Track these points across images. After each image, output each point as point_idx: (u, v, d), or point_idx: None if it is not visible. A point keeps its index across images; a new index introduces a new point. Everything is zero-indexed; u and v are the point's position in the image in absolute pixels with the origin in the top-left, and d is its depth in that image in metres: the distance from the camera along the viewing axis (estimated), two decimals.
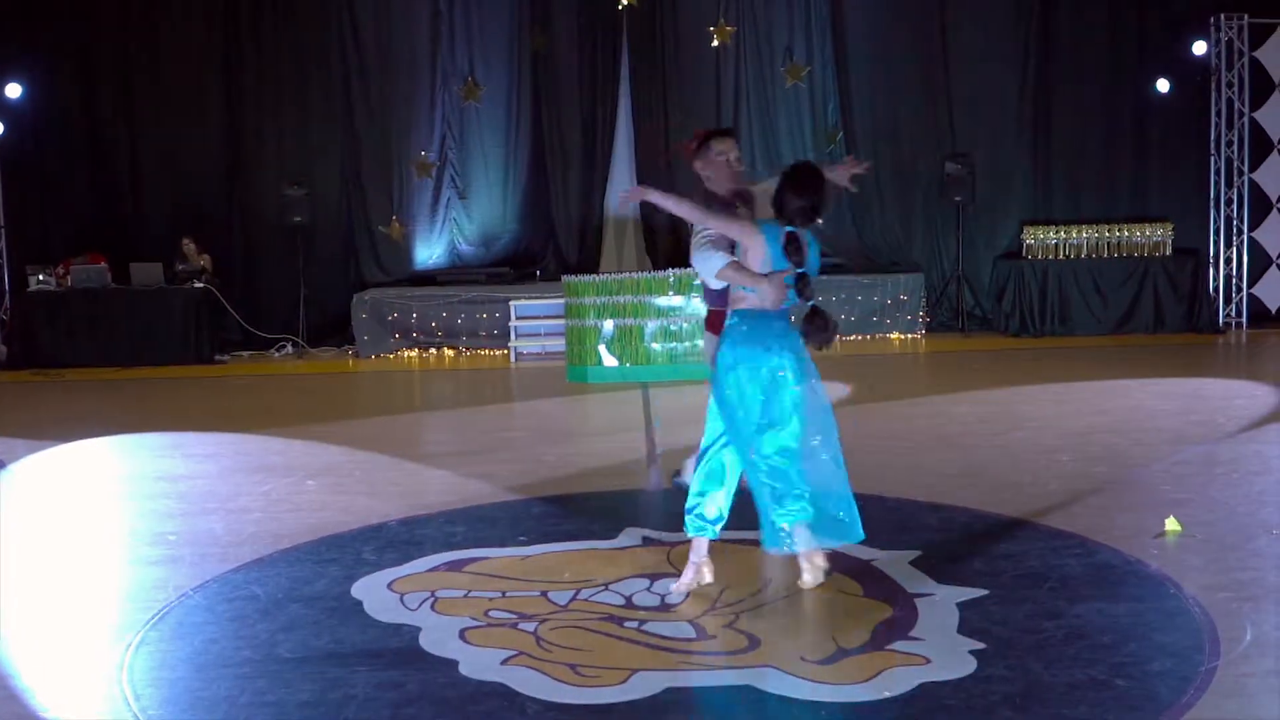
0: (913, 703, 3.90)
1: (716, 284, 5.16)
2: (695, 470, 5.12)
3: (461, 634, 4.60)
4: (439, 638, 4.56)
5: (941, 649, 4.31)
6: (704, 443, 5.04)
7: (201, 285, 13.68)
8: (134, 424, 9.63)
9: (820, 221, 4.91)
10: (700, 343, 11.12)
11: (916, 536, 5.72)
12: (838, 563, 5.22)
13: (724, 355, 4.88)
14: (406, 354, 13.80)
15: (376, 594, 5.10)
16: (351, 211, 15.07)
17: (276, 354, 14.24)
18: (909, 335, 13.96)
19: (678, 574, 5.15)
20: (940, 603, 4.79)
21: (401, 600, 5.01)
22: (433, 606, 4.92)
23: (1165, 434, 7.99)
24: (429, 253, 15.20)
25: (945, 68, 14.80)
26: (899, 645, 4.37)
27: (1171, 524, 5.69)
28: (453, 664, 4.30)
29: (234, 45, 14.75)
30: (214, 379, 12.69)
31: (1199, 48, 14.14)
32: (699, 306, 11.30)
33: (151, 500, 7.03)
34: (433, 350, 13.87)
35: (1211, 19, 14.12)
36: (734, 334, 4.88)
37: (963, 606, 4.73)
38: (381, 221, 15.07)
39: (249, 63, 14.83)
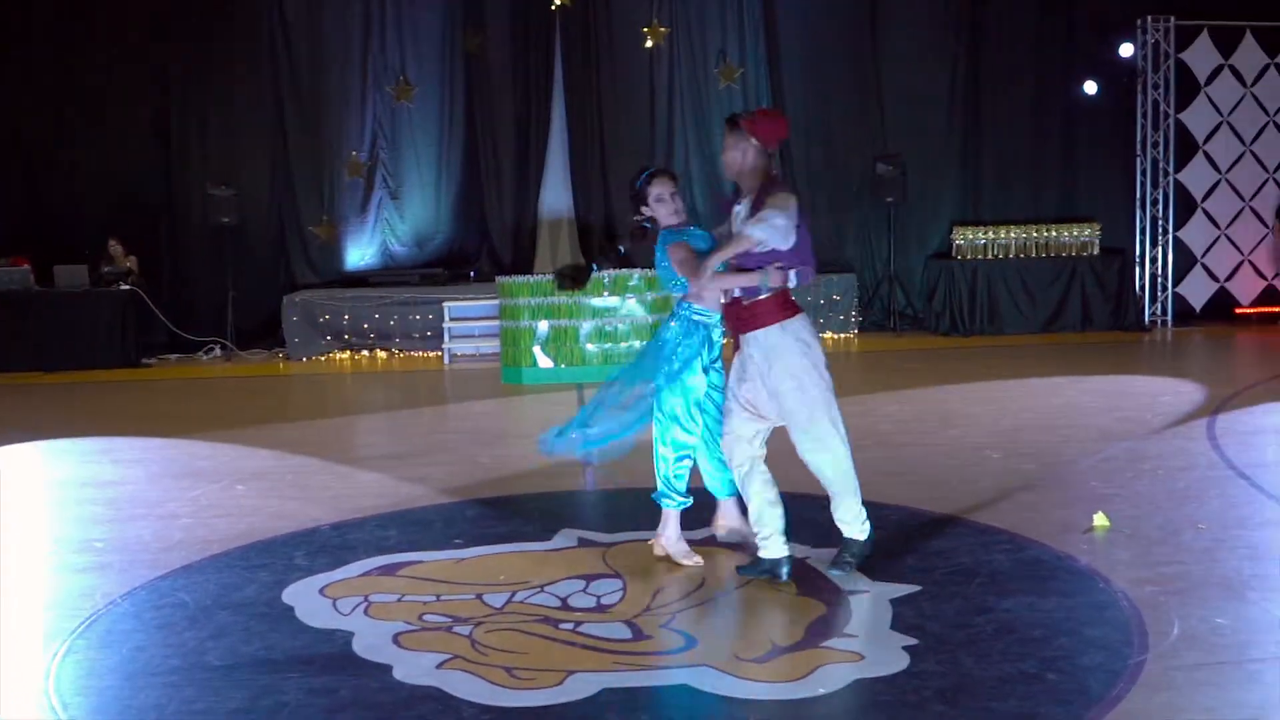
0: (846, 699, 3.92)
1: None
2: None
3: (395, 638, 4.55)
4: (372, 643, 4.51)
5: (875, 645, 4.34)
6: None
7: (128, 287, 13.46)
8: (60, 429, 9.45)
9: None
10: (636, 344, 11.18)
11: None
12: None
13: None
14: (338, 356, 13.68)
15: (308, 599, 5.04)
16: (281, 211, 14.92)
17: (205, 357, 14.05)
18: (841, 335, 14.07)
19: (614, 575, 5.15)
20: (873, 599, 4.83)
21: (334, 605, 4.95)
22: (366, 611, 4.87)
23: (1092, 431, 8.11)
24: (361, 253, 15.08)
25: (876, 69, 14.96)
26: (833, 642, 4.40)
27: (1099, 519, 5.77)
28: (386, 669, 4.25)
29: (161, 42, 14.52)
30: (141, 382, 12.49)
31: (1126, 49, 14.39)
32: (634, 307, 11.37)
33: (78, 506, 6.91)
34: (365, 352, 13.76)
35: (1138, 21, 14.40)
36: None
37: (895, 603, 4.76)
38: (312, 221, 14.93)
39: (176, 59, 14.62)
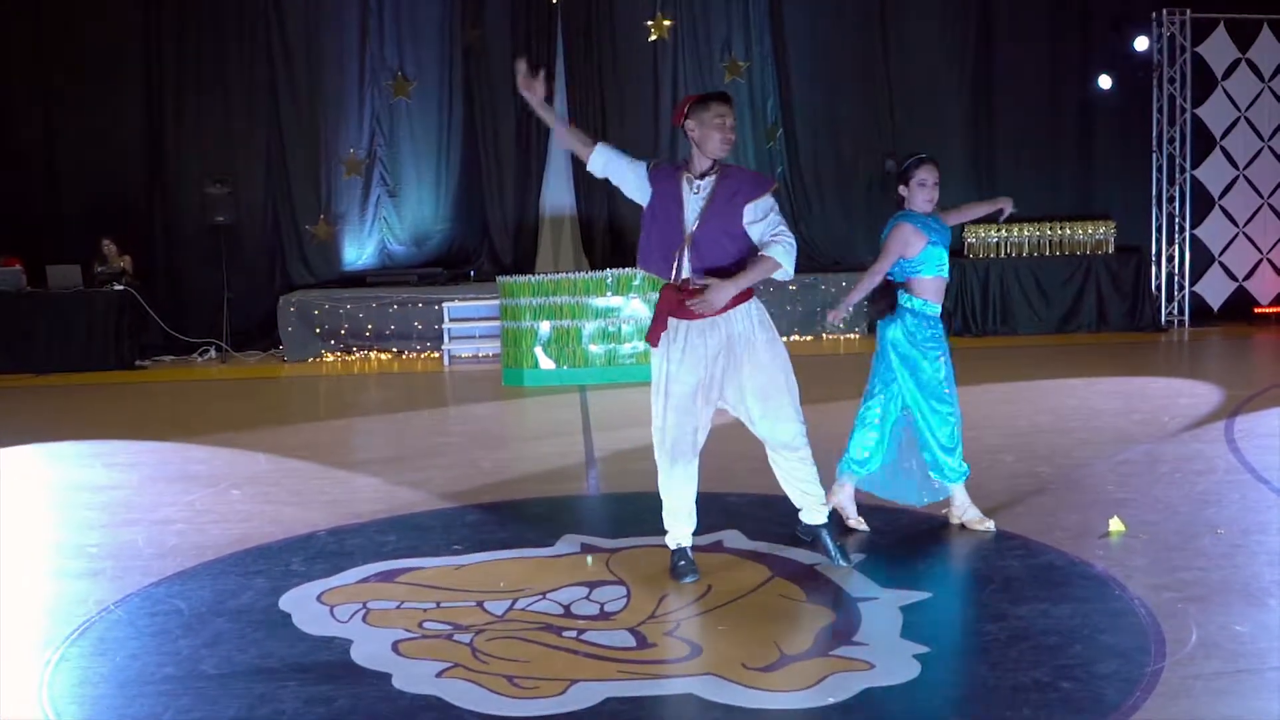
0: (856, 709, 3.84)
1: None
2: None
3: (394, 646, 4.48)
4: (371, 650, 4.43)
5: (885, 654, 4.25)
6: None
7: (122, 288, 13.38)
8: (52, 432, 9.39)
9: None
10: (640, 345, 11.11)
11: (860, 539, 5.68)
12: (780, 568, 5.18)
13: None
14: (335, 358, 13.59)
15: (305, 606, 4.96)
16: (277, 210, 14.86)
17: (200, 358, 13.98)
18: (852, 334, 14.00)
19: (618, 581, 5.07)
20: (883, 607, 4.74)
21: (331, 612, 4.88)
22: (364, 618, 4.79)
23: (1108, 433, 8.03)
24: (358, 253, 15.01)
25: (886, 64, 14.89)
26: (842, 650, 4.31)
27: (1116, 524, 5.69)
28: (385, 677, 4.18)
29: (154, 39, 14.47)
30: (135, 385, 12.43)
31: (1141, 43, 14.28)
32: (637, 308, 11.28)
33: (71, 511, 6.84)
34: (363, 354, 13.67)
35: (1154, 14, 14.30)
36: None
37: (906, 610, 4.68)
38: (309, 221, 14.86)
39: (170, 57, 14.56)
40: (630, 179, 5.06)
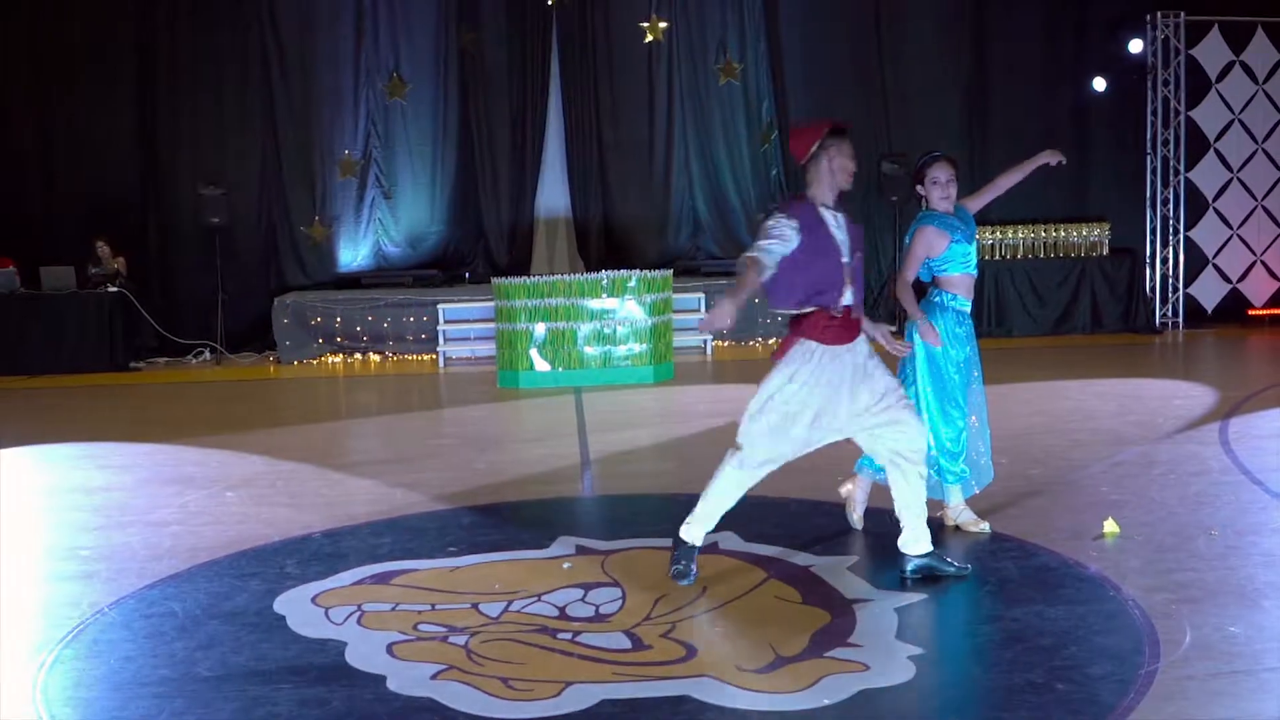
0: (851, 710, 3.83)
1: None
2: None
3: (389, 648, 4.46)
4: (366, 652, 4.42)
5: (880, 655, 4.25)
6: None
7: (116, 289, 13.35)
8: (46, 434, 9.37)
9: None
10: (635, 347, 11.10)
11: (854, 542, 5.69)
12: (776, 570, 5.18)
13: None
14: (330, 359, 13.59)
15: (300, 609, 4.95)
16: (272, 212, 14.83)
17: (194, 360, 13.96)
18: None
19: (613, 583, 5.06)
20: (878, 608, 4.74)
21: (326, 615, 4.87)
22: (359, 620, 4.78)
23: (1103, 435, 8.04)
24: (353, 254, 14.99)
25: (881, 66, 14.88)
26: (837, 652, 4.30)
27: (1110, 526, 5.69)
28: (380, 679, 4.17)
29: (148, 39, 14.42)
30: (129, 386, 12.40)
31: (1135, 46, 14.28)
32: (632, 309, 11.27)
33: (65, 513, 6.82)
34: (358, 355, 13.66)
35: (1148, 17, 14.29)
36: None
37: (901, 612, 4.68)
38: (303, 222, 14.83)
39: (164, 57, 14.53)
40: (781, 250, 4.83)
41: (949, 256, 5.59)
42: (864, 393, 4.92)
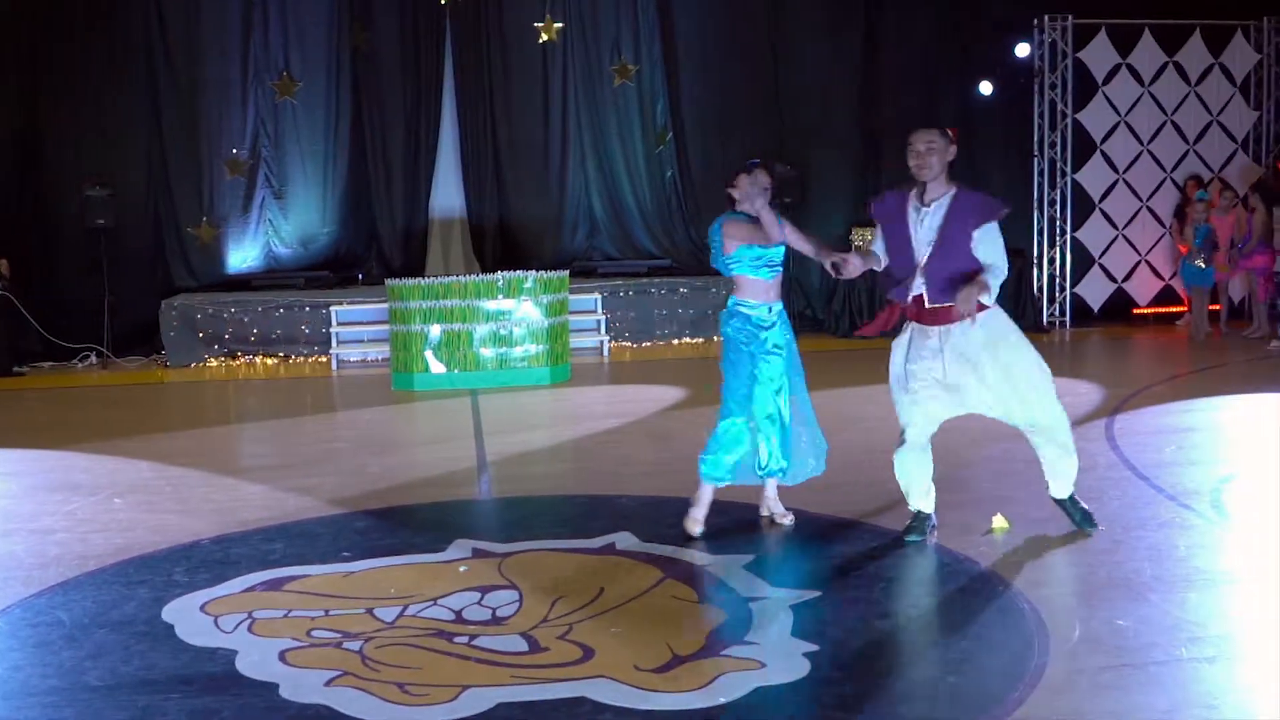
0: (748, 708, 3.87)
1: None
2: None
3: (281, 656, 4.41)
4: (257, 660, 4.36)
5: (776, 652, 4.30)
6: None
7: None
8: None
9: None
10: (532, 348, 11.06)
11: (750, 540, 5.73)
12: (672, 570, 5.19)
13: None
14: (220, 363, 13.30)
15: (189, 617, 4.87)
16: (159, 212, 14.45)
17: (80, 364, 13.57)
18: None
19: (510, 585, 5.04)
20: (774, 606, 4.79)
21: (216, 623, 4.79)
22: (250, 628, 4.71)
23: (991, 432, 8.08)
24: (243, 255, 14.69)
25: (775, 68, 15.01)
26: (733, 650, 4.34)
27: (999, 521, 5.81)
28: (272, 687, 4.12)
29: (26, 34, 13.94)
30: (13, 391, 12.03)
31: (1022, 49, 14.55)
32: (529, 311, 11.23)
33: None
34: (248, 358, 13.39)
35: (1035, 20, 14.58)
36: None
37: (796, 609, 4.74)
38: (191, 223, 14.50)
39: (44, 51, 14.04)
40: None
41: (738, 256, 5.79)
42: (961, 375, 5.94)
